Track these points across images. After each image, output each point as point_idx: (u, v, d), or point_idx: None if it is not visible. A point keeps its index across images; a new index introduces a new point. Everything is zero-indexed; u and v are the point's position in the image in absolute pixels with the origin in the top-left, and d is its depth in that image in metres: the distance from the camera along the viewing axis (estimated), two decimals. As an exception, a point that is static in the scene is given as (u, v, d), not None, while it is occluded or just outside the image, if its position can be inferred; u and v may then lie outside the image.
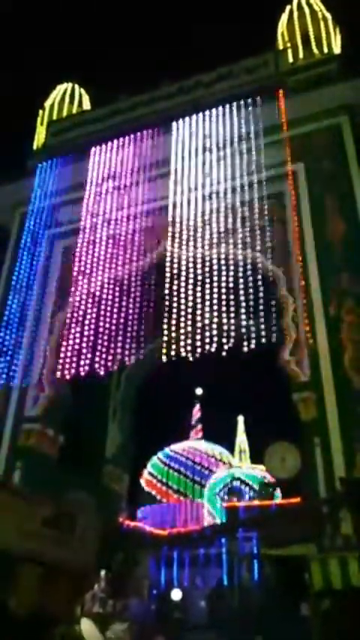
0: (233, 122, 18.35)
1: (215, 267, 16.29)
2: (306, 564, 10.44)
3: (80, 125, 22.07)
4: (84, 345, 16.87)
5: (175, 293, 16.39)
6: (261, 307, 15.06)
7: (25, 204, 20.96)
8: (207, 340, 15.45)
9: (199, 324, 15.71)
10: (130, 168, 19.28)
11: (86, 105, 25.23)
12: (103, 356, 16.49)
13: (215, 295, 15.87)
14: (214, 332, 15.48)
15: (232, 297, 15.62)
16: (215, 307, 15.70)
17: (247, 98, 18.42)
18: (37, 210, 20.23)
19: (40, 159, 21.60)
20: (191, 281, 16.40)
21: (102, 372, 16.53)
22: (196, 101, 19.47)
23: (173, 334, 15.92)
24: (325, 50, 20.35)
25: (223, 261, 16.27)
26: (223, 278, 16.04)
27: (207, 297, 15.97)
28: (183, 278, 16.52)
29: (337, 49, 20.60)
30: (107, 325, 16.99)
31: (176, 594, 28.97)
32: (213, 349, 15.36)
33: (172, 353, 15.72)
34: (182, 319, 15.97)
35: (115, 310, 17.19)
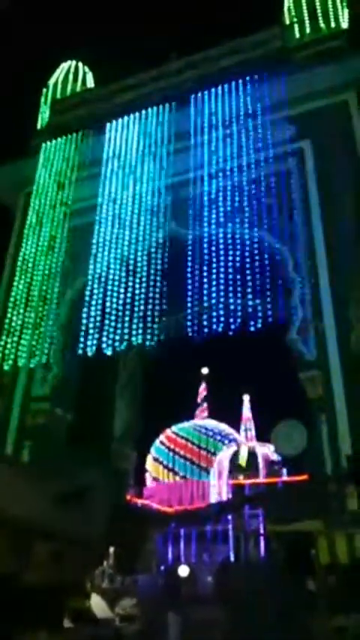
0: (239, 98, 18.15)
1: (222, 246, 16.24)
2: (313, 540, 10.59)
3: (85, 103, 21.86)
4: (91, 324, 16.91)
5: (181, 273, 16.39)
6: (268, 286, 15.01)
7: (30, 184, 20.80)
8: (214, 320, 15.45)
9: (205, 304, 15.71)
10: (135, 147, 19.14)
11: (90, 83, 24.95)
12: (111, 336, 16.55)
13: (222, 275, 15.84)
14: (221, 311, 15.47)
15: (238, 276, 15.58)
16: (222, 287, 15.68)
17: (253, 74, 18.18)
18: (42, 189, 20.14)
19: (45, 138, 21.45)
20: (198, 260, 16.37)
21: (109, 352, 16.60)
22: (203, 77, 19.24)
23: (181, 313, 15.95)
24: (333, 25, 19.99)
25: (229, 241, 16.21)
26: (230, 257, 15.99)
27: (214, 276, 15.95)
28: (189, 258, 16.50)
29: (344, 24, 20.21)
30: (115, 305, 17.02)
31: (183, 570, 29.35)
32: (220, 329, 15.37)
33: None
34: (189, 299, 15.98)
35: (122, 290, 17.22)
